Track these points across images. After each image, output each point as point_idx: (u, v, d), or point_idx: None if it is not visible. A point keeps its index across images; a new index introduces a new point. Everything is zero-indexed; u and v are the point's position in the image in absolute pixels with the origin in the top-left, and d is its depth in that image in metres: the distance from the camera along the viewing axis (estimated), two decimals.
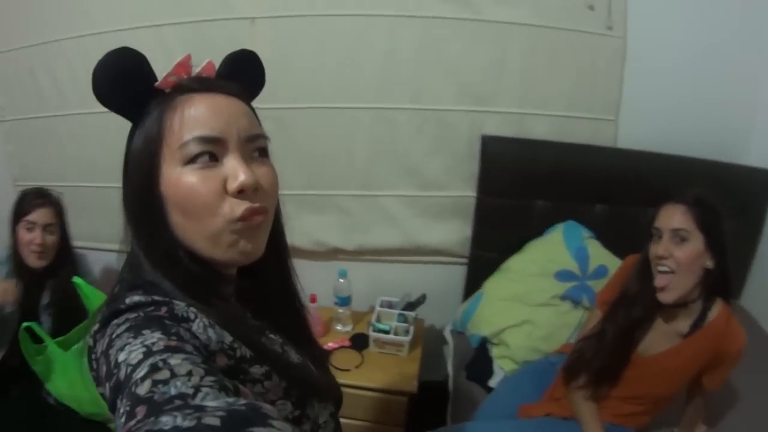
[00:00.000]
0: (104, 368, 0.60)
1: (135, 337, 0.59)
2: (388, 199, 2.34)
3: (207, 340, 0.66)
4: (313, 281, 2.39)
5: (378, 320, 2.26)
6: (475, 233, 2.25)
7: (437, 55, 2.10)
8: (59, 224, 1.97)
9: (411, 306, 2.29)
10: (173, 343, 0.58)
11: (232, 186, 0.69)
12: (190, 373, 0.54)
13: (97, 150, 2.37)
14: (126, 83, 0.71)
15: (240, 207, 0.70)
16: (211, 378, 0.54)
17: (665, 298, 1.39)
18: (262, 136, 0.78)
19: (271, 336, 0.83)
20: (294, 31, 2.16)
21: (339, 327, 2.36)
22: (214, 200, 0.69)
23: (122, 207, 0.76)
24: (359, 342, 2.24)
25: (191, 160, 0.69)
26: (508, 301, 2.01)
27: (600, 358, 1.51)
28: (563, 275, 1.96)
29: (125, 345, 0.59)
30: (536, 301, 1.96)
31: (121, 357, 0.57)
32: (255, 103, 2.19)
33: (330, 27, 2.14)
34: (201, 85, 0.74)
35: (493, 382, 1.90)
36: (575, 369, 1.56)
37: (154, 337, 0.59)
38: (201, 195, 0.69)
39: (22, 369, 1.89)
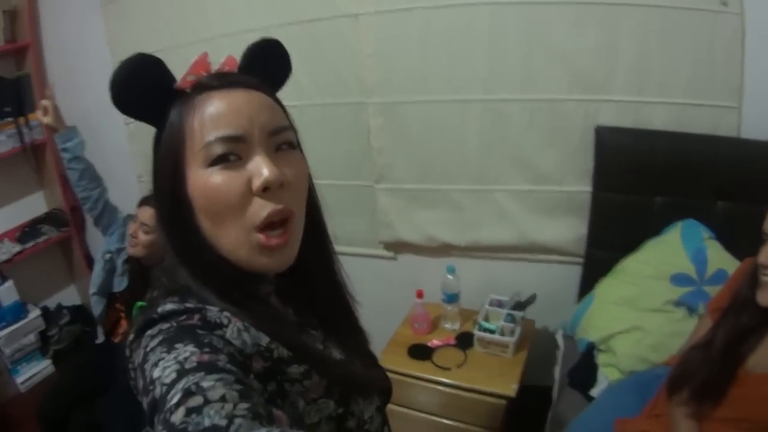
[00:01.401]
0: (141, 382, 0.63)
1: (168, 352, 0.62)
2: (500, 194, 2.41)
3: (242, 345, 0.68)
4: (423, 277, 2.58)
5: (486, 319, 2.34)
6: (590, 231, 2.25)
7: (544, 41, 2.13)
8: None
9: (520, 306, 2.34)
10: (206, 358, 0.61)
11: (256, 184, 0.71)
12: (223, 399, 0.56)
13: None
14: (144, 88, 0.74)
15: (263, 210, 0.72)
16: (245, 405, 0.56)
17: (763, 299, 1.35)
18: (288, 128, 0.79)
19: (313, 332, 0.87)
20: (397, 26, 2.30)
21: (447, 325, 2.47)
22: (239, 201, 0.72)
23: (157, 213, 0.81)
24: (464, 341, 2.34)
25: (214, 161, 0.72)
26: (618, 305, 2.00)
27: (705, 370, 1.46)
28: (679, 279, 1.92)
29: (159, 360, 0.61)
30: (648, 306, 1.93)
31: (156, 373, 0.60)
32: (367, 98, 2.31)
33: (433, 19, 2.24)
34: (220, 81, 0.77)
35: (595, 392, 1.91)
36: (679, 381, 1.52)
37: (186, 351, 0.61)
38: (225, 196, 0.72)
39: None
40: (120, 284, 2.52)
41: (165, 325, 0.67)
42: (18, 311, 3.30)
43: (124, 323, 2.53)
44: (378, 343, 2.37)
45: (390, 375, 2.03)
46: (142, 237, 2.30)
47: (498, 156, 2.36)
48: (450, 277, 2.40)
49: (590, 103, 2.15)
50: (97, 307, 2.59)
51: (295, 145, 0.80)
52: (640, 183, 2.09)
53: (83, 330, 3.56)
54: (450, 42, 2.27)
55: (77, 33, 3.23)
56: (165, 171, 0.76)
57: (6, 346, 3.26)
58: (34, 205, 3.73)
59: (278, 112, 0.79)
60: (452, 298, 2.43)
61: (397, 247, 2.73)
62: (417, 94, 2.37)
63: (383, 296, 2.68)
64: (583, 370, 2.00)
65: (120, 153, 3.23)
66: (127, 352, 0.71)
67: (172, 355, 0.61)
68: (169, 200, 0.76)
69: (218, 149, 0.71)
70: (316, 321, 0.89)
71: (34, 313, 3.41)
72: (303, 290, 0.90)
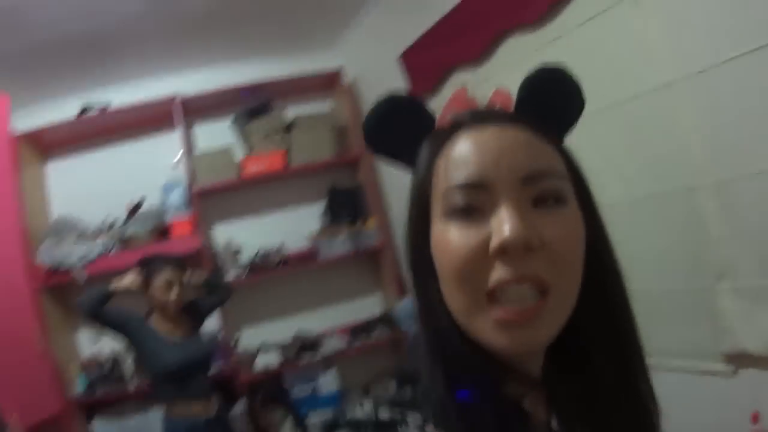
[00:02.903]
0: None
1: None
2: None
3: None
4: (764, 397, 2.15)
5: None
6: None
7: None
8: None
9: None
10: None
11: (493, 243, 0.59)
12: None
13: None
14: (400, 129, 0.72)
15: (497, 275, 0.60)
16: None
17: None
18: (555, 175, 0.65)
19: None
20: (720, 87, 2.01)
21: None
22: (473, 263, 0.61)
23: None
24: None
25: (452, 212, 0.63)
26: None
27: None
28: None
29: None
30: None
31: None
32: (697, 179, 2.19)
33: (750, 69, 1.91)
34: (473, 118, 0.69)
35: None
36: None
37: None
38: (457, 255, 0.62)
39: None
40: None
41: None
42: (334, 401, 3.73)
43: None
44: None
45: None
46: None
47: None
48: None
49: None
50: None
51: (565, 199, 0.65)
52: None
53: None
54: None
55: None
56: (410, 220, 0.71)
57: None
58: (369, 306, 4.21)
59: (543, 153, 0.66)
60: None
61: (739, 360, 2.26)
62: (754, 164, 1.99)
63: (710, 422, 2.28)
64: None
65: None
66: None
67: None
68: (412, 253, 0.71)
69: (456, 199, 0.63)
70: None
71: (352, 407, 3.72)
72: (578, 388, 0.71)
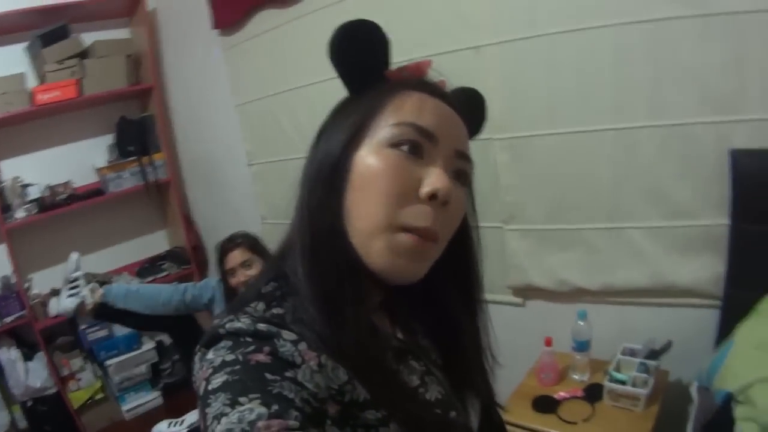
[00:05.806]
0: (203, 423, 0.64)
1: (232, 406, 0.61)
2: (634, 232, 2.43)
3: (315, 388, 0.68)
4: (553, 324, 2.65)
5: (617, 369, 2.34)
6: (729, 268, 2.21)
7: (670, 61, 2.17)
8: (257, 257, 2.65)
9: (654, 354, 2.33)
10: (274, 425, 0.59)
11: (426, 189, 0.76)
12: None
13: None
14: (362, 53, 0.82)
15: (420, 219, 0.76)
16: None
17: None
18: (470, 162, 0.86)
19: (413, 363, 0.87)
20: (520, 56, 2.45)
21: (575, 375, 2.50)
22: (404, 190, 0.76)
23: (303, 173, 0.85)
24: (593, 393, 2.35)
25: (399, 143, 0.77)
26: (759, 349, 1.93)
27: None
28: None
29: (221, 415, 0.61)
30: None
31: (218, 430, 0.60)
32: (493, 133, 2.63)
33: (556, 45, 2.37)
34: (431, 89, 0.84)
35: None
36: None
37: (253, 413, 0.59)
38: (396, 176, 0.76)
39: None
40: None
41: (229, 356, 0.68)
42: (131, 342, 3.88)
43: None
44: (502, 395, 2.39)
45: (512, 429, 2.06)
46: (250, 272, 2.63)
47: (631, 190, 2.40)
48: (581, 323, 2.45)
49: (723, 124, 2.14)
50: None
51: (467, 183, 0.87)
52: None
53: None
54: (575, 68, 2.37)
55: (200, 76, 3.71)
56: (341, 131, 0.81)
57: (116, 374, 3.81)
58: (156, 242, 4.35)
59: (468, 145, 0.87)
60: (583, 346, 2.46)
61: (527, 292, 2.82)
62: (544, 126, 2.49)
63: (510, 345, 2.65)
64: (719, 426, 1.93)
65: (244, 193, 3.57)
66: (196, 366, 0.73)
67: (236, 416, 0.60)
68: (329, 162, 0.80)
69: (409, 133, 0.77)
70: (429, 346, 0.96)
71: (148, 345, 3.95)
72: (424, 310, 0.96)
